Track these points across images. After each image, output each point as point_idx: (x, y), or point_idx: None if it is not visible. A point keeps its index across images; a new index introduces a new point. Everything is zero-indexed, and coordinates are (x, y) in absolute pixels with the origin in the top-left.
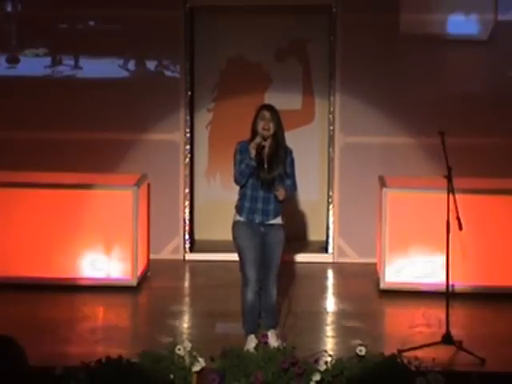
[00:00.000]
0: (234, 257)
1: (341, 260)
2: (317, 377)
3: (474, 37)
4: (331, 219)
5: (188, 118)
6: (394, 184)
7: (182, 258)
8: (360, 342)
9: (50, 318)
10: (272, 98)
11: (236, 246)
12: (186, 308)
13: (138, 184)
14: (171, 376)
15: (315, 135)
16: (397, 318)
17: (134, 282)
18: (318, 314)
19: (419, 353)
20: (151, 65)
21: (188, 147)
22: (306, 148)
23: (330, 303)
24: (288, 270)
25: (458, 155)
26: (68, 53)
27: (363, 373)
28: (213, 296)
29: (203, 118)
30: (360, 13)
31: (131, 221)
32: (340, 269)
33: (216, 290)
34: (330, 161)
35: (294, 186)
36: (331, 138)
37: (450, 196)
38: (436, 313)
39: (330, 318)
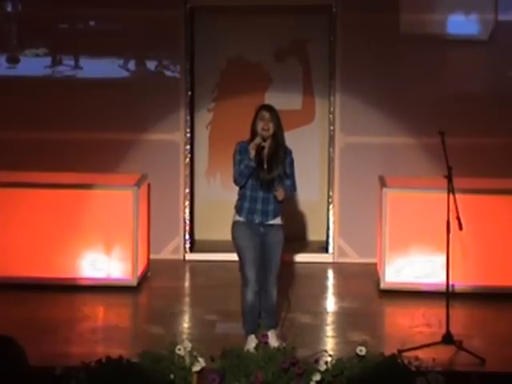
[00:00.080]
0: (234, 257)
1: (341, 260)
2: (317, 377)
3: (475, 37)
4: (331, 219)
5: (188, 117)
6: (394, 184)
7: (182, 257)
8: (360, 341)
9: (50, 318)
10: (272, 98)
11: (235, 247)
12: (186, 308)
13: (138, 184)
14: (171, 376)
15: (315, 135)
16: (397, 318)
17: (134, 282)
18: (319, 313)
19: (419, 353)
20: (151, 65)
21: (188, 147)
22: (306, 148)
23: (330, 303)
24: (288, 270)
25: (458, 155)
26: (68, 53)
27: (363, 373)
28: (213, 296)
29: (203, 118)
30: (360, 13)
31: (131, 221)
32: (340, 269)
33: (216, 290)
34: (331, 161)
35: (293, 187)
36: (331, 138)
37: (450, 196)
38: (436, 313)
39: (330, 318)
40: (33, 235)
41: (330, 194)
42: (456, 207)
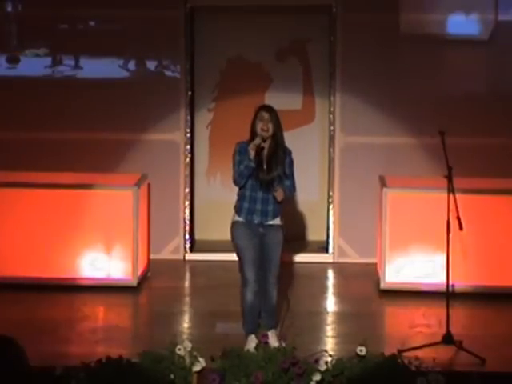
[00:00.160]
0: (234, 257)
1: (341, 260)
2: (317, 377)
3: (475, 37)
4: (331, 219)
5: (188, 117)
6: (394, 184)
7: (182, 258)
8: (360, 341)
9: (49, 317)
10: (272, 98)
11: (235, 247)
12: (186, 308)
13: (138, 184)
14: (171, 376)
15: (315, 135)
16: (397, 317)
17: (135, 282)
18: (319, 313)
19: (419, 353)
20: (151, 65)
21: (188, 147)
22: (307, 148)
23: (331, 303)
24: (288, 270)
25: (459, 155)
26: (68, 53)
27: (363, 373)
28: (213, 296)
29: (203, 118)
30: (360, 13)
31: (131, 221)
32: (340, 269)
33: (216, 290)
34: (331, 161)
35: (293, 187)
36: (331, 138)
37: (451, 196)
38: (436, 313)
39: (330, 318)
40: (32, 235)
41: (330, 193)
42: (456, 207)
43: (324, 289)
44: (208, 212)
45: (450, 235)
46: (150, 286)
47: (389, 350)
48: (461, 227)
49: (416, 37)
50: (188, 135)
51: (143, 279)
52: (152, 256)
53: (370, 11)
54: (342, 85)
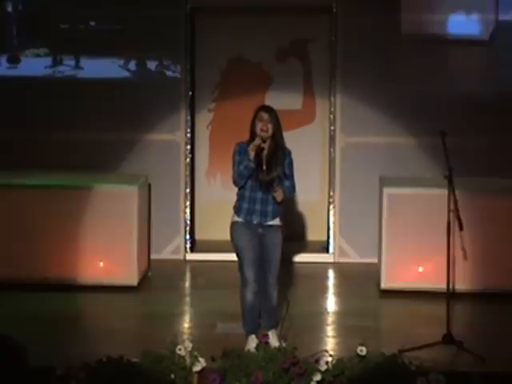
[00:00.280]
0: (235, 257)
1: (342, 260)
2: (317, 377)
3: (475, 37)
4: (332, 219)
5: (189, 118)
6: (394, 184)
7: (182, 258)
8: (361, 341)
9: (50, 317)
10: (273, 98)
11: (234, 247)
12: (186, 308)
13: (138, 184)
14: (172, 376)
15: (316, 135)
16: (397, 317)
17: (135, 282)
18: (319, 313)
19: (420, 353)
20: (152, 65)
21: (189, 147)
22: (307, 148)
23: (331, 303)
24: (289, 270)
25: (459, 155)
26: (69, 53)
27: (364, 373)
28: (213, 296)
29: (204, 118)
30: (361, 13)
31: (132, 221)
32: (341, 269)
33: (216, 290)
34: (331, 161)
35: (292, 188)
36: (332, 138)
37: (451, 196)
38: (436, 313)
39: (330, 318)
40: (32, 235)
41: (331, 193)
42: (456, 207)
43: (324, 289)
44: (208, 212)
45: (451, 235)
46: (151, 286)
47: (389, 349)
48: (461, 227)
49: (416, 37)
50: (188, 135)
51: (144, 279)
52: (152, 256)
53: (371, 11)
54: (343, 85)
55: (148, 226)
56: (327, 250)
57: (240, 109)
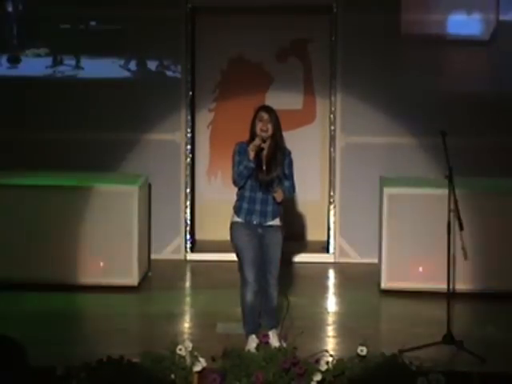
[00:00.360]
0: (235, 257)
1: (342, 260)
2: (318, 377)
3: (476, 37)
4: (332, 219)
5: (189, 117)
6: (394, 184)
7: (183, 258)
8: (361, 341)
9: (49, 317)
10: (273, 98)
11: (234, 247)
12: (186, 308)
13: (138, 184)
14: (172, 376)
15: (316, 135)
16: (397, 317)
17: (135, 282)
18: (319, 313)
19: (420, 353)
20: (152, 65)
21: (189, 147)
22: (307, 148)
23: (331, 303)
24: (289, 270)
25: (459, 155)
26: (69, 53)
27: (364, 373)
28: (214, 296)
29: (204, 118)
30: (361, 13)
31: (132, 221)
32: (341, 269)
33: (217, 290)
34: (331, 161)
35: (292, 188)
36: (332, 138)
37: (451, 196)
38: (436, 313)
39: (331, 318)
40: (32, 235)
41: (331, 193)
42: (457, 207)
43: (325, 289)
44: (209, 212)
45: (451, 235)
46: (151, 286)
47: (389, 349)
48: (461, 227)
49: (417, 37)
50: (189, 135)
51: (144, 279)
52: (153, 256)
53: (371, 11)
54: (343, 85)
55: (148, 226)
56: (327, 250)
57: (240, 109)
